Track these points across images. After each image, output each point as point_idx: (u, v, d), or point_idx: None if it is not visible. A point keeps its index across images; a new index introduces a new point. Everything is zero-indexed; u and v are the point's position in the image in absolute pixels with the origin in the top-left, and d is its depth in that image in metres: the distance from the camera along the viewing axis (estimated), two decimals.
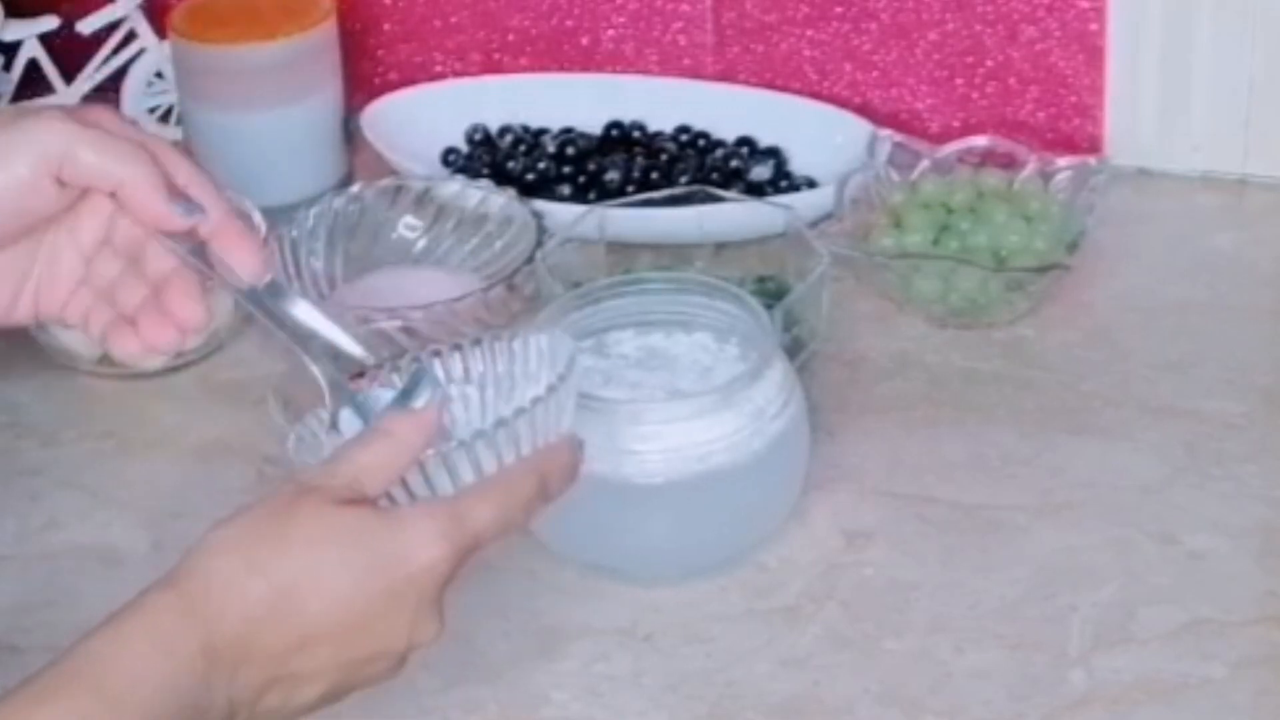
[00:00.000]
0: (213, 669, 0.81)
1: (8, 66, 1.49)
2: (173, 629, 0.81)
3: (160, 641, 0.81)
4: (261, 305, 0.96)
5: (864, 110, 1.41)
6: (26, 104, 0.89)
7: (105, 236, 0.94)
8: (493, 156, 1.41)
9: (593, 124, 1.43)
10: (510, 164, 1.39)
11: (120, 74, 1.51)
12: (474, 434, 0.89)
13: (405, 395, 0.89)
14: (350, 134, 1.44)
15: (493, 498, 0.88)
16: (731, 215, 1.27)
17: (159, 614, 0.82)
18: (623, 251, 1.26)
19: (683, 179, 1.36)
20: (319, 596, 0.83)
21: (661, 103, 1.44)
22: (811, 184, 1.37)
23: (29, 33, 1.48)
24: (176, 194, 0.90)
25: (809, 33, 1.42)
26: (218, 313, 1.27)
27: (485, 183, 1.33)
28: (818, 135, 1.39)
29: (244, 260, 0.93)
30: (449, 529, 0.86)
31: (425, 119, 1.44)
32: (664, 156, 1.40)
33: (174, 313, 0.94)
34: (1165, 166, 1.39)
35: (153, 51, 1.49)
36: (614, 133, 1.43)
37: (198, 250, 0.93)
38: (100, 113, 0.92)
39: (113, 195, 0.91)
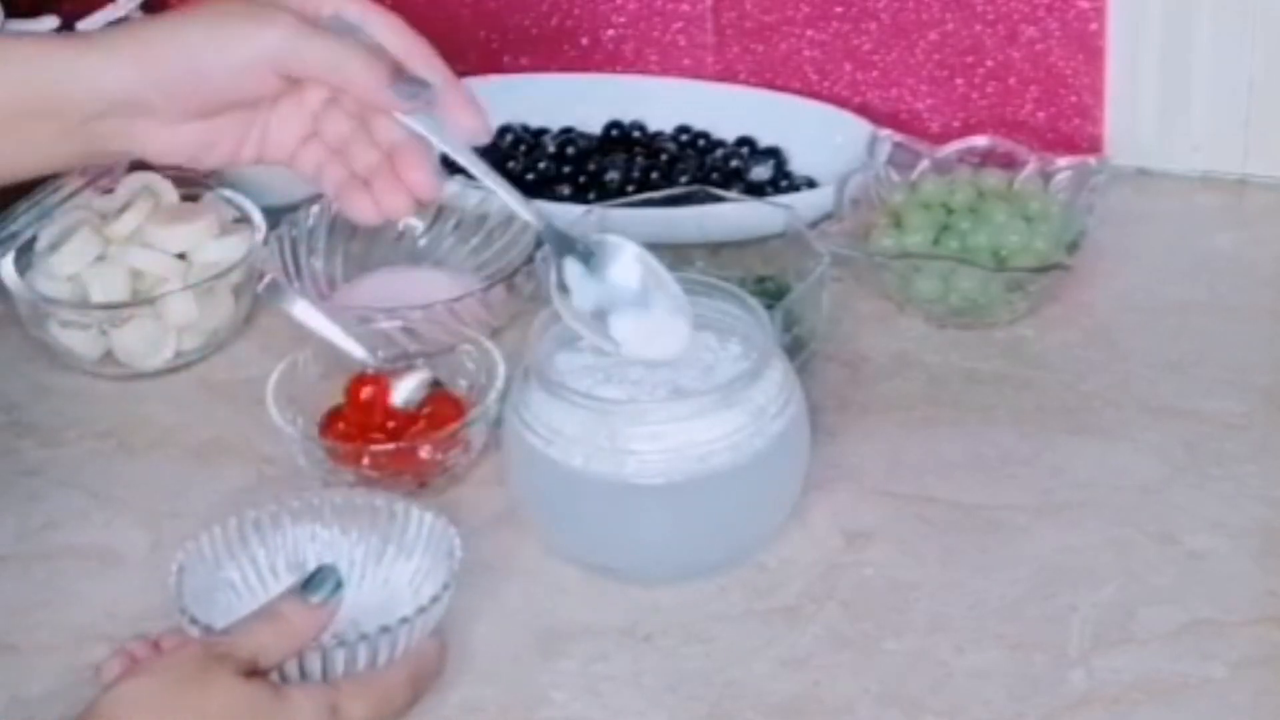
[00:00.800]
0: None
1: None
2: None
3: None
4: (474, 159, 1.00)
5: (864, 110, 1.41)
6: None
7: (331, 98, 1.00)
8: (493, 156, 1.41)
9: (593, 124, 1.43)
10: (510, 164, 1.39)
11: None
12: (358, 637, 0.96)
13: (307, 584, 0.95)
14: None
15: (370, 699, 0.94)
16: (731, 215, 1.27)
17: None
18: None
19: (683, 179, 1.36)
20: None
21: (661, 103, 1.44)
22: (811, 184, 1.37)
23: (29, 32, 1.48)
24: (399, 75, 0.96)
25: (809, 33, 1.42)
26: (218, 313, 1.27)
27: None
28: (818, 135, 1.39)
29: (467, 122, 0.98)
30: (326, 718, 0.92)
31: None
32: (664, 156, 1.40)
33: (407, 178, 0.98)
34: (1165, 166, 1.39)
35: None
36: (614, 133, 1.43)
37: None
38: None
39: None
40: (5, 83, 0.96)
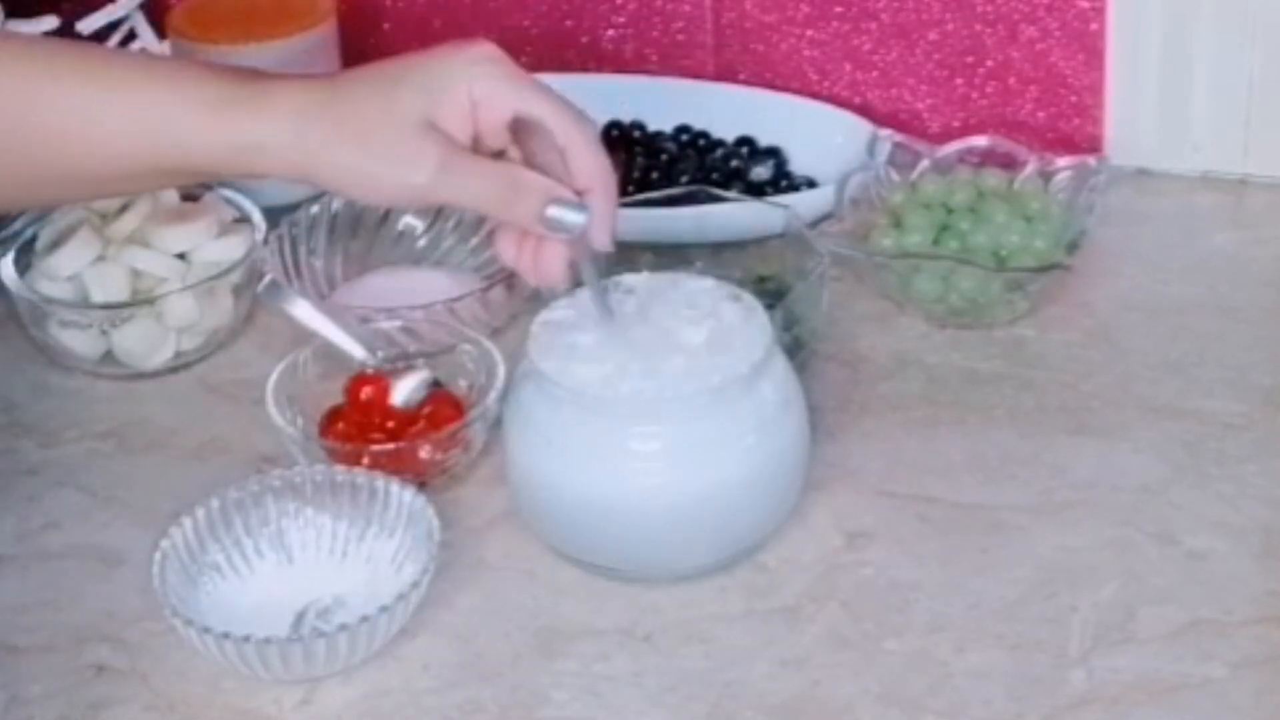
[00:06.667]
0: None
1: None
2: None
3: None
4: (589, 259, 1.03)
5: (864, 110, 1.41)
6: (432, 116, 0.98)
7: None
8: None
9: None
10: None
11: None
12: (338, 626, 0.98)
13: None
14: None
15: None
16: (731, 215, 1.27)
17: None
18: (623, 251, 1.26)
19: (683, 179, 1.36)
20: None
21: (661, 103, 1.44)
22: (811, 184, 1.37)
23: (29, 32, 1.48)
24: (555, 200, 0.98)
25: (809, 33, 1.42)
26: (218, 313, 1.27)
27: None
28: (818, 135, 1.39)
29: (597, 234, 1.01)
30: None
31: None
32: (664, 156, 1.39)
33: (540, 264, 1.01)
34: (1165, 166, 1.39)
35: (153, 52, 1.49)
36: (614, 133, 1.43)
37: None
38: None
39: None
40: (155, 149, 0.97)
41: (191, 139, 0.96)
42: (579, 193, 0.99)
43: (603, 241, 1.01)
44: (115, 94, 0.97)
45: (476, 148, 0.99)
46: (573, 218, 0.99)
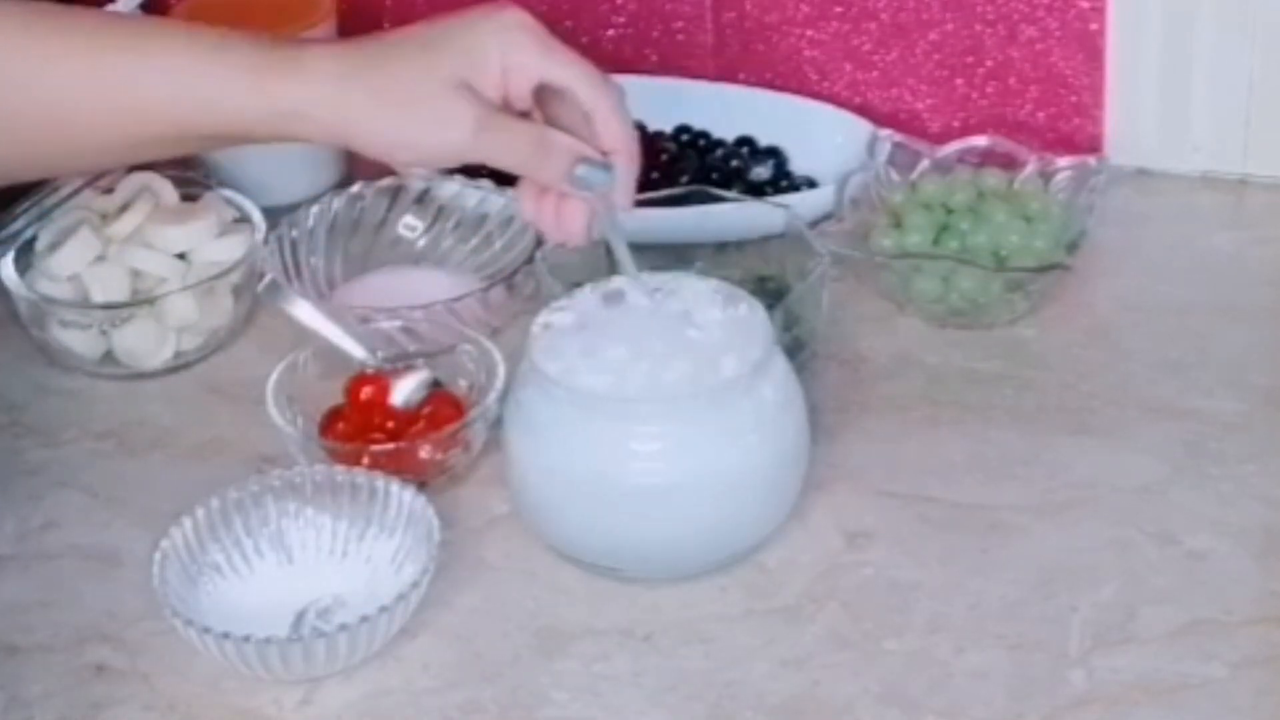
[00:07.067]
0: None
1: None
2: None
3: None
4: (610, 218, 1.06)
5: (864, 110, 1.41)
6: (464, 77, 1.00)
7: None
8: None
9: None
10: None
11: None
12: (338, 626, 0.99)
13: None
14: None
15: None
16: (731, 215, 1.27)
17: None
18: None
19: (683, 179, 1.36)
20: None
21: (661, 103, 1.44)
22: (811, 184, 1.37)
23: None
24: (582, 160, 1.02)
25: (809, 33, 1.42)
26: (218, 313, 1.27)
27: (485, 183, 1.33)
28: (818, 135, 1.39)
29: (618, 198, 1.05)
30: None
31: None
32: (664, 156, 1.39)
33: (562, 220, 1.05)
34: (1165, 166, 1.39)
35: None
36: None
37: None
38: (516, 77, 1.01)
39: None
40: (192, 116, 0.99)
41: (230, 106, 0.98)
42: (603, 154, 1.03)
43: (625, 202, 1.05)
44: (153, 61, 0.98)
45: (503, 110, 1.02)
46: (599, 176, 1.03)
